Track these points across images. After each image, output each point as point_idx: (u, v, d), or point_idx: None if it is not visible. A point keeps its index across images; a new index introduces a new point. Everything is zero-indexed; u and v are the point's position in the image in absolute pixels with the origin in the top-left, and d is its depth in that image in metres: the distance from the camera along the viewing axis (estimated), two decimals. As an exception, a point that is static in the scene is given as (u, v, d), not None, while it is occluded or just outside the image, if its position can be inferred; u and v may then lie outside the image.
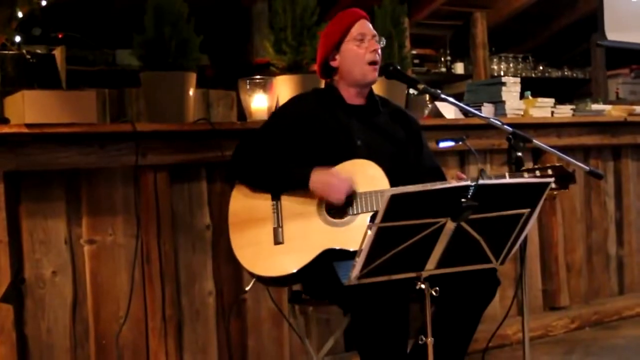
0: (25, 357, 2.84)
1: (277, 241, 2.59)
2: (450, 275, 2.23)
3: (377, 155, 2.64)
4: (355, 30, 2.69)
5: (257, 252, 2.59)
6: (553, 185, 2.53)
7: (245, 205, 2.66)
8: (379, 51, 2.70)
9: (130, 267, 3.00)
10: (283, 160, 2.65)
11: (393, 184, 2.56)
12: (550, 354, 3.69)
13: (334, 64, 2.73)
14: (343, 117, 2.72)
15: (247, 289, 2.80)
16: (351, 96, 2.74)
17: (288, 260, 2.55)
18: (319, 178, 2.56)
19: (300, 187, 2.58)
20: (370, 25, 2.73)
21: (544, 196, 2.14)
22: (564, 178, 2.56)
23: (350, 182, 2.56)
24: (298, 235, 2.58)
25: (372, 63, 2.68)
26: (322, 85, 3.44)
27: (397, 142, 2.76)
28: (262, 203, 2.64)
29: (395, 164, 2.69)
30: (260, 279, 2.64)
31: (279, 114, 2.82)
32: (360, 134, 2.70)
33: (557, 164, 2.60)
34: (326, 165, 2.61)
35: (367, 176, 2.59)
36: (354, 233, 2.48)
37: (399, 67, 2.73)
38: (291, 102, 2.84)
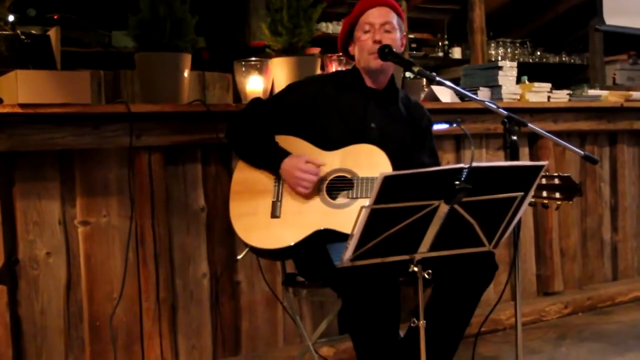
0: (19, 338, 2.85)
1: (274, 215, 2.61)
2: (447, 259, 2.24)
3: (388, 140, 2.66)
4: (363, 19, 2.69)
5: (253, 223, 2.62)
6: (557, 196, 2.51)
7: (249, 175, 2.68)
8: (387, 39, 2.65)
9: (124, 249, 3.00)
10: (270, 137, 2.68)
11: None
12: (543, 339, 3.70)
13: (351, 50, 2.77)
14: (361, 99, 2.73)
15: (239, 257, 2.84)
16: (369, 82, 2.76)
17: (282, 234, 2.57)
18: (288, 167, 2.59)
19: (271, 169, 2.64)
20: (386, 13, 2.68)
21: (537, 179, 2.14)
22: (570, 189, 2.50)
23: (316, 175, 2.57)
24: (295, 212, 2.59)
25: (374, 52, 2.66)
26: (319, 69, 3.45)
27: (408, 133, 2.77)
28: (266, 175, 2.67)
29: (405, 152, 2.72)
30: (253, 250, 2.66)
31: (288, 91, 2.81)
32: (375, 117, 2.71)
33: (565, 174, 2.54)
34: (339, 145, 2.63)
35: (371, 161, 2.60)
36: (351, 216, 2.46)
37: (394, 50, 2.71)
38: (303, 81, 2.86)
